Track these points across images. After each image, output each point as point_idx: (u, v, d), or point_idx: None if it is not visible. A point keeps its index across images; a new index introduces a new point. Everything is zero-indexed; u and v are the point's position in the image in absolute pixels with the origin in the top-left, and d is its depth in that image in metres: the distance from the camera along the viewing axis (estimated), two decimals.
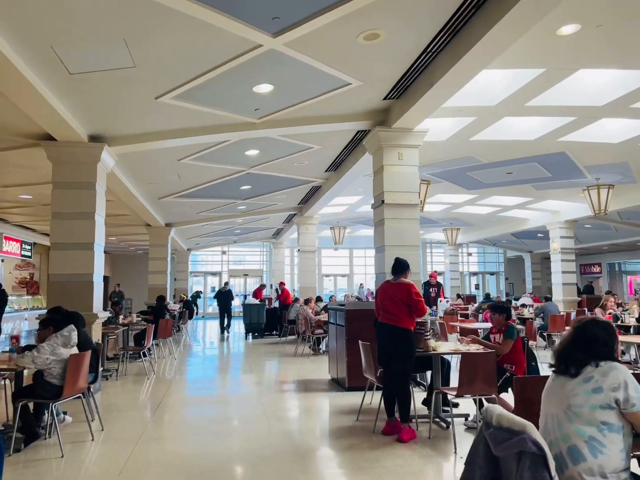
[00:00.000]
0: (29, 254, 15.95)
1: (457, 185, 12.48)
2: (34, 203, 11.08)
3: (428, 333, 4.70)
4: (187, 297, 17.15)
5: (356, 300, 16.46)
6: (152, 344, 8.93)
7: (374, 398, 5.36)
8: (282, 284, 14.55)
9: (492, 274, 28.56)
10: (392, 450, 4.11)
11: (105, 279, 23.36)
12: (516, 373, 4.71)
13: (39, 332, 4.42)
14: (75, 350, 4.34)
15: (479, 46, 4.71)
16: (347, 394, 6.31)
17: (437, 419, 4.93)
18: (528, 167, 10.43)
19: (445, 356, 5.13)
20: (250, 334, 13.93)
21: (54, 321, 4.32)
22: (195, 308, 18.35)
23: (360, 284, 20.85)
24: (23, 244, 15.24)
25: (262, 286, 15.98)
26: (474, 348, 4.85)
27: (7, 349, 4.88)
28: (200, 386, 7.33)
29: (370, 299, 17.94)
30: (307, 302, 10.50)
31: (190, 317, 16.15)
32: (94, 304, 6.45)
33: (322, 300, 12.33)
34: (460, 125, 8.05)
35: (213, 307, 26.32)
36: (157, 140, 6.77)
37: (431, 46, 5.14)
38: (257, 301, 14.18)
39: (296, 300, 12.92)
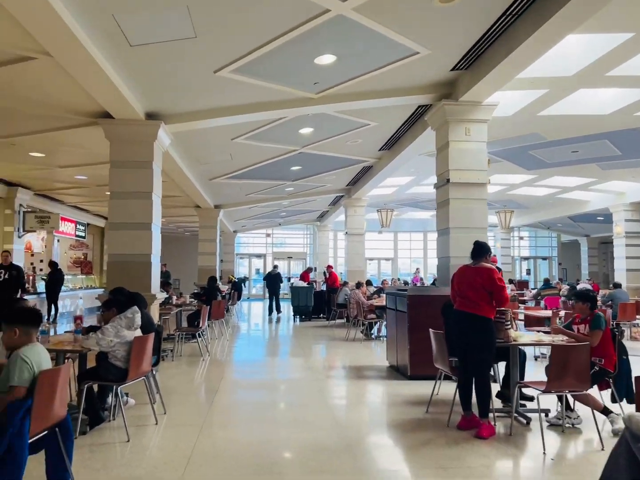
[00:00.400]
0: (82, 234, 16.34)
1: (516, 165, 11.83)
2: (89, 184, 11.21)
3: (508, 322, 4.33)
4: (235, 278, 17.20)
5: (404, 284, 16.08)
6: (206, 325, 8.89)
7: (442, 389, 5.02)
8: (329, 267, 14.33)
9: (544, 258, 27.43)
10: (473, 448, 3.80)
11: None
12: (606, 367, 4.28)
13: (103, 314, 4.32)
14: (138, 332, 4.22)
15: (571, 5, 4.21)
16: (409, 382, 6.02)
17: (515, 414, 4.57)
18: (596, 144, 9.72)
19: (521, 347, 4.75)
20: (298, 316, 13.83)
21: (117, 302, 4.20)
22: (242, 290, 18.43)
23: (417, 269, 20.35)
24: (77, 225, 15.59)
25: (310, 269, 15.83)
26: (558, 339, 4.45)
27: (69, 328, 4.86)
28: (254, 369, 7.21)
29: (418, 285, 17.50)
30: (358, 286, 10.21)
31: (239, 299, 16.21)
32: (152, 285, 6.38)
33: (372, 284, 12.02)
34: (528, 99, 7.49)
35: (256, 289, 26.54)
36: (213, 118, 6.56)
37: (513, 6, 4.66)
38: (305, 284, 14.02)
39: (345, 284, 12.67)
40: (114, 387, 4.26)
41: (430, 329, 4.90)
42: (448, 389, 5.47)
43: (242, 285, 18.69)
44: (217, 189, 12.47)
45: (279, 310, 15.45)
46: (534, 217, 20.69)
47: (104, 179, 10.71)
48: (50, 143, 7.72)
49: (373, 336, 10.02)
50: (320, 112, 7.17)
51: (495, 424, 4.26)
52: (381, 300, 9.86)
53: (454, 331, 4.35)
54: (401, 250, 27.86)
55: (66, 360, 4.27)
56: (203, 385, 6.12)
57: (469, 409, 4.26)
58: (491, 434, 4.04)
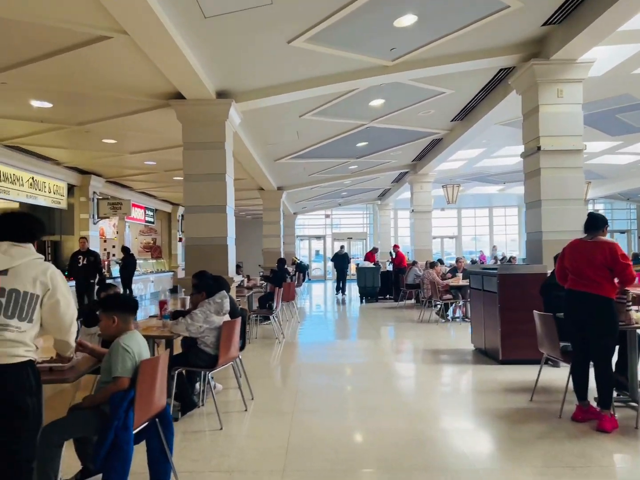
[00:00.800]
0: (151, 219, 16.75)
1: (598, 131, 10.88)
2: (158, 169, 11.34)
3: (630, 302, 3.84)
4: (298, 260, 17.16)
5: (471, 263, 15.43)
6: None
7: (541, 374, 4.58)
8: (396, 246, 13.92)
9: (622, 232, 25.56)
10: (597, 443, 3.39)
11: None
12: None
13: (192, 297, 4.21)
14: (227, 317, 4.08)
15: None
16: (501, 367, 5.62)
17: (634, 403, 4.09)
18: None
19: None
20: (364, 297, 13.57)
21: (207, 286, 4.07)
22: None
23: (494, 247, 19.57)
24: (146, 210, 15.99)
25: (375, 249, 15.48)
26: None
27: (145, 312, 4.80)
28: (332, 352, 7.01)
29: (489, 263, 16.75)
30: (432, 265, 9.77)
31: (304, 280, 16.18)
32: (229, 268, 6.29)
33: (443, 264, 11.53)
34: (622, 57, 6.73)
35: (316, 271, 26.48)
36: (283, 94, 6.30)
37: None
38: (371, 264, 13.70)
39: (414, 263, 12.25)
40: (202, 372, 4.17)
41: (534, 311, 4.48)
42: (549, 375, 5.06)
43: (305, 266, 18.65)
44: (281, 170, 12.31)
45: (344, 291, 15.31)
46: (613, 187, 19.23)
47: (172, 164, 10.86)
48: (122, 129, 7.75)
49: (449, 317, 9.59)
50: (394, 82, 6.74)
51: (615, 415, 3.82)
52: (457, 280, 9.41)
53: (566, 312, 3.92)
54: (465, 228, 26.91)
55: (156, 346, 4.20)
56: (283, 369, 5.99)
57: (584, 398, 3.85)
58: (614, 427, 3.62)
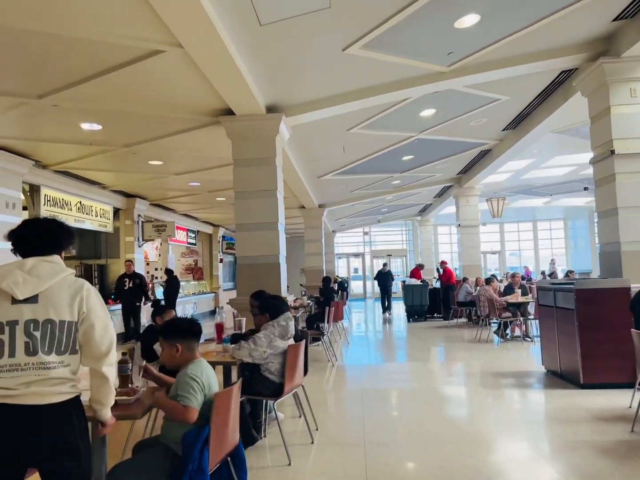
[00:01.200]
0: (193, 241, 16.80)
1: None
2: (201, 190, 11.30)
3: None
4: (339, 278, 16.83)
5: (542, 277, 14.74)
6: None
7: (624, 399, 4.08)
8: (443, 262, 13.42)
9: None
10: None
11: None
12: None
13: (255, 319, 3.94)
14: (291, 341, 3.78)
15: None
16: (582, 392, 5.10)
17: None
18: None
19: None
20: (412, 316, 13.08)
21: (271, 308, 3.80)
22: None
23: (552, 260, 18.80)
24: (188, 232, 16.03)
25: (421, 266, 15.01)
26: None
27: (210, 337, 4.56)
28: (390, 377, 6.59)
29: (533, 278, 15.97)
30: (488, 282, 9.29)
31: (346, 299, 15.82)
32: (282, 287, 6.03)
33: (496, 279, 10.98)
34: None
35: (355, 289, 26.00)
36: (334, 106, 6.07)
37: None
38: (418, 282, 13.24)
39: (465, 280, 11.74)
40: (264, 401, 3.88)
41: (632, 330, 4.00)
42: None
43: (346, 285, 18.30)
44: (323, 186, 12.10)
45: (389, 309, 14.89)
46: None
47: (216, 184, 10.81)
48: (168, 149, 7.69)
49: (508, 337, 9.04)
50: (448, 89, 6.43)
51: None
52: (516, 297, 8.87)
53: None
54: (508, 242, 26.04)
55: None
56: (341, 396, 5.63)
57: None
58: None
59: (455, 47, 5.37)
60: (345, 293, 15.51)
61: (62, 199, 9.18)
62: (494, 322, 9.77)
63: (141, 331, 10.91)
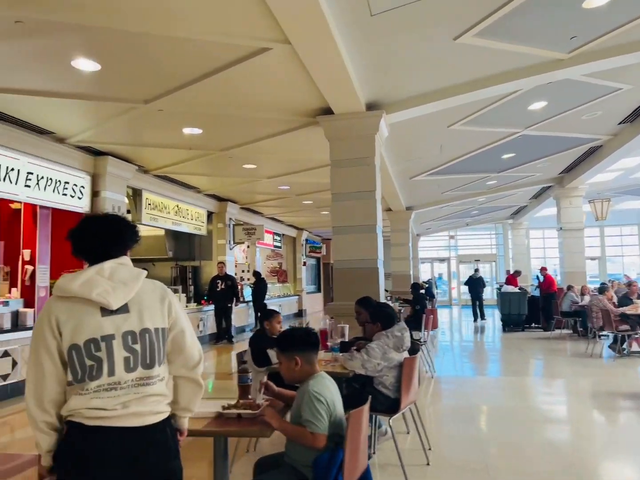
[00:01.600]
0: (279, 244, 16.99)
1: None
2: (290, 194, 11.32)
3: None
4: (426, 284, 16.26)
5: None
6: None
7: None
8: (543, 269, 12.48)
9: None
10: None
11: None
12: None
13: (366, 327, 3.71)
14: (406, 354, 3.50)
15: None
16: None
17: None
18: None
19: None
20: (507, 326, 12.26)
21: (385, 317, 3.54)
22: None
23: None
24: (274, 235, 16.23)
25: (517, 272, 14.07)
26: None
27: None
28: (493, 393, 6.09)
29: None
30: (601, 291, 8.43)
31: (435, 305, 15.23)
32: (380, 293, 5.76)
33: (608, 289, 9.97)
34: None
35: (439, 295, 25.07)
36: (437, 100, 5.71)
37: None
38: (515, 289, 12.40)
39: (569, 288, 10.81)
40: (374, 416, 3.61)
41: None
42: None
43: (432, 291, 17.66)
44: (414, 188, 11.67)
45: (482, 317, 14.12)
46: None
47: (304, 187, 10.77)
48: (263, 152, 7.70)
49: (625, 352, 8.13)
50: (564, 79, 5.84)
51: None
52: (636, 307, 7.96)
53: None
54: (610, 248, 23.94)
55: None
56: (447, 411, 5.24)
57: None
58: None
59: (579, 31, 4.82)
60: (433, 300, 14.93)
61: (161, 202, 9.54)
62: (604, 335, 8.88)
63: (233, 332, 11.13)
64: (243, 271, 16.05)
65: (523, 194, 14.64)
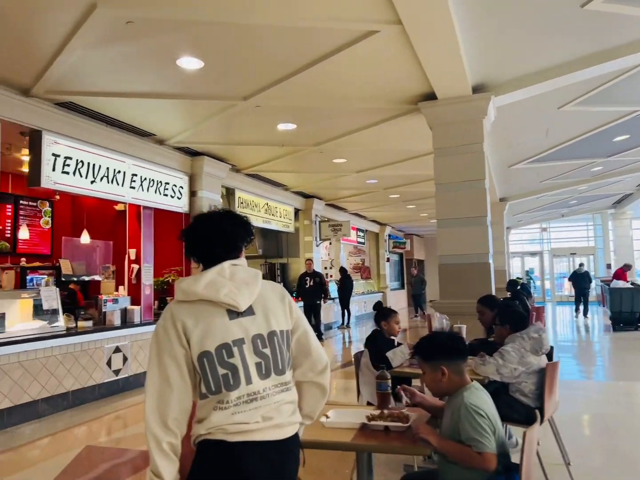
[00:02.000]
0: (362, 240, 16.76)
1: None
2: (377, 188, 11.03)
3: None
4: (520, 279, 15.29)
5: None
6: None
7: None
8: None
9: None
10: None
11: (421, 262, 23.46)
12: None
13: (496, 330, 3.38)
14: (544, 359, 3.12)
15: None
16: None
17: None
18: None
19: None
20: (617, 324, 11.19)
21: (516, 318, 3.19)
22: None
23: None
24: (358, 231, 16.02)
25: (627, 266, 12.84)
26: None
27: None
28: (618, 400, 5.46)
29: None
30: None
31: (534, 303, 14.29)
32: (492, 290, 5.34)
33: None
34: None
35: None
36: (554, 78, 5.17)
37: None
38: (627, 284, 11.30)
39: None
40: (506, 426, 3.26)
41: None
42: None
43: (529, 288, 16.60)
44: (510, 178, 10.96)
45: (585, 314, 13.07)
46: None
47: (393, 180, 10.43)
48: (354, 146, 7.48)
49: None
50: None
51: None
52: None
53: None
54: None
55: None
56: (569, 417, 4.74)
57: None
58: None
59: None
60: (530, 298, 14.01)
61: (252, 200, 9.62)
62: None
63: (321, 329, 11.05)
64: (325, 268, 16.00)
65: (631, 180, 13.33)
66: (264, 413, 1.49)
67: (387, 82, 5.16)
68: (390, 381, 2.26)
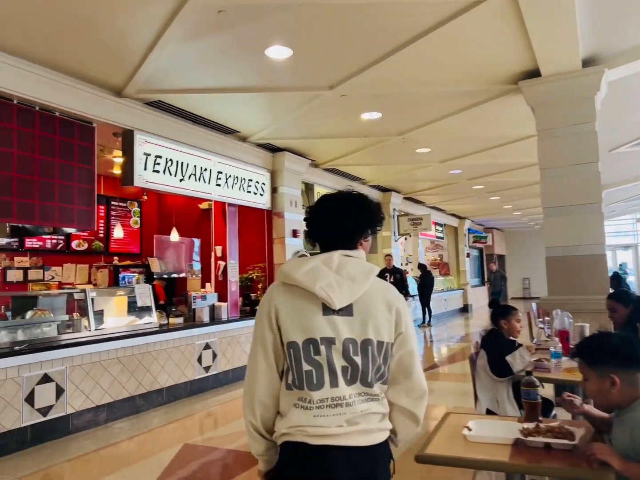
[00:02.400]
0: (441, 235, 16.19)
1: None
2: (459, 178, 10.51)
3: None
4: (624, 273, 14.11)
5: None
6: None
7: None
8: None
9: None
10: None
11: (501, 257, 22.33)
12: None
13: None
14: None
15: None
16: None
17: None
18: None
19: None
20: None
21: None
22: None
23: None
24: (436, 226, 15.46)
25: None
26: None
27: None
28: None
29: None
30: None
31: None
32: (606, 285, 4.80)
33: None
34: None
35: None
36: None
37: None
38: None
39: None
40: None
41: None
42: None
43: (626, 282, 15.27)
44: (609, 163, 10.01)
45: None
46: None
47: (478, 170, 9.85)
48: (440, 132, 7.07)
49: None
50: None
51: None
52: None
53: None
54: None
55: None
56: None
57: None
58: None
59: None
60: None
61: None
62: None
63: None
64: (401, 264, 15.57)
65: None
66: (350, 419, 1.38)
67: (486, 60, 4.76)
68: (540, 389, 1.94)
